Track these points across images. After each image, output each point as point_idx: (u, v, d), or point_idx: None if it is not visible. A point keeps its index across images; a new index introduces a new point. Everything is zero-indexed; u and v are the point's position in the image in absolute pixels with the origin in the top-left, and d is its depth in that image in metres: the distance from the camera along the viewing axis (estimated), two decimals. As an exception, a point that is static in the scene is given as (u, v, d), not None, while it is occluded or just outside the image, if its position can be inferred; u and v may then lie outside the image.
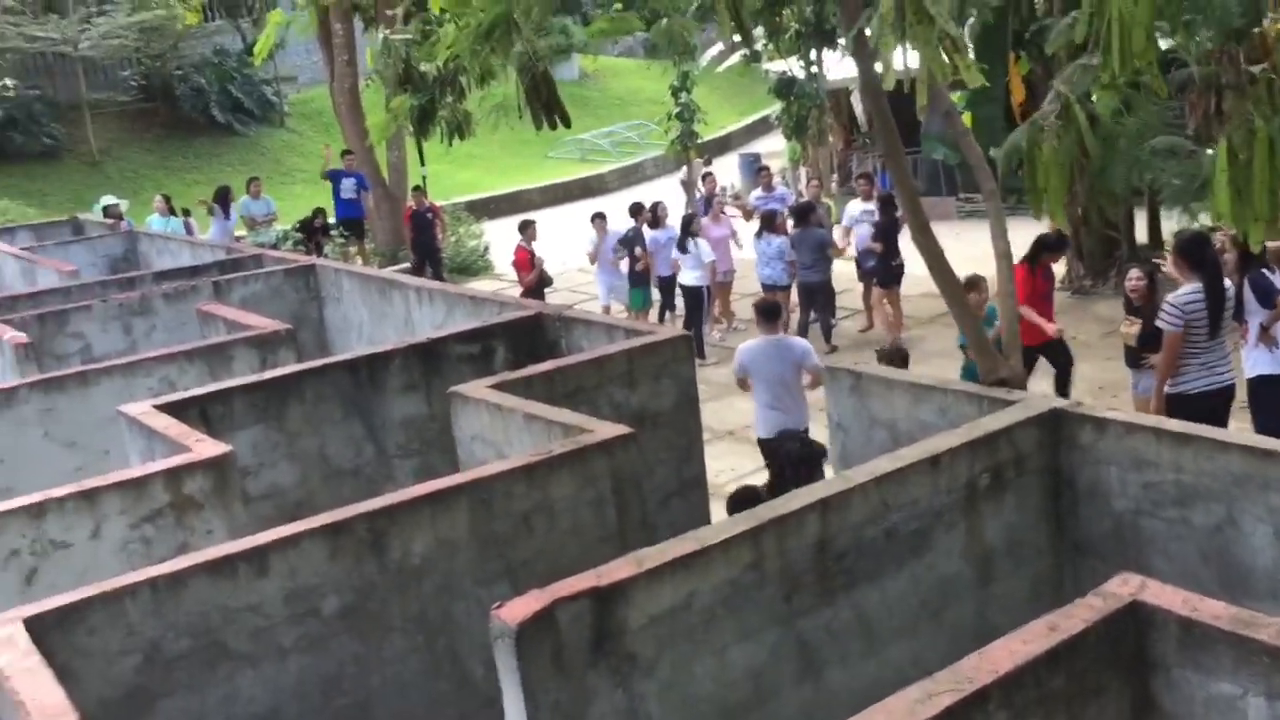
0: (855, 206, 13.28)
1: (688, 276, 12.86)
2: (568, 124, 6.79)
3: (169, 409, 5.00)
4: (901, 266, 12.35)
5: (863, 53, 6.25)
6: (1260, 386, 7.34)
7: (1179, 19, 3.95)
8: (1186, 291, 6.79)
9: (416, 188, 16.29)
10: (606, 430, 4.27)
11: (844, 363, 4.66)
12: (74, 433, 5.78)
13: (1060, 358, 9.48)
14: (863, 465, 3.77)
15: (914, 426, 4.52)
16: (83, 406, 5.80)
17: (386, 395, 5.75)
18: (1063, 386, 9.22)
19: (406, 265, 16.22)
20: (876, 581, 3.60)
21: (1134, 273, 8.09)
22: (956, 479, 3.79)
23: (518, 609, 2.96)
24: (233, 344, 6.32)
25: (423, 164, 17.91)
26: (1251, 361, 7.37)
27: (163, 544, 4.20)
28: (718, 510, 6.01)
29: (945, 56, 4.16)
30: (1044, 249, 9.15)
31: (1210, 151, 4.51)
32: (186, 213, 16.06)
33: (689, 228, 12.90)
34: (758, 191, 15.75)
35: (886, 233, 12.25)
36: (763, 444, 7.99)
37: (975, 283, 7.59)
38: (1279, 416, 7.24)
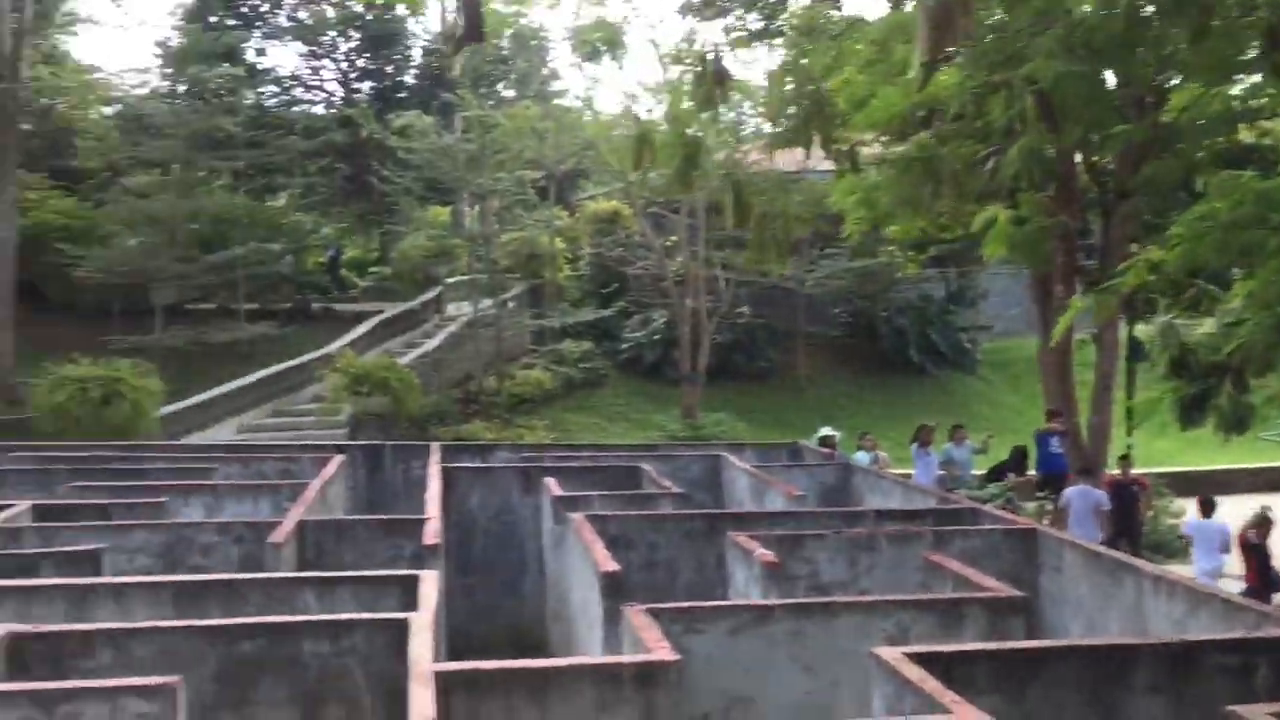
0: None
1: None
2: None
3: (918, 659, 5.11)
4: None
5: None
6: None
7: None
8: None
9: (1123, 457, 15.63)
10: None
11: None
12: (813, 659, 6.10)
13: None
14: None
15: None
16: (825, 636, 6.13)
17: (1131, 692, 5.41)
18: None
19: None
20: None
21: None
22: None
23: None
24: (966, 602, 6.37)
25: (1129, 432, 17.17)
26: None
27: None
28: None
29: None
30: None
31: None
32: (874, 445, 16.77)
33: None
34: None
35: None
36: None
37: None
38: None
